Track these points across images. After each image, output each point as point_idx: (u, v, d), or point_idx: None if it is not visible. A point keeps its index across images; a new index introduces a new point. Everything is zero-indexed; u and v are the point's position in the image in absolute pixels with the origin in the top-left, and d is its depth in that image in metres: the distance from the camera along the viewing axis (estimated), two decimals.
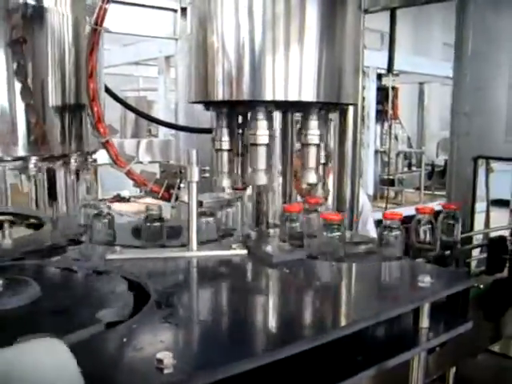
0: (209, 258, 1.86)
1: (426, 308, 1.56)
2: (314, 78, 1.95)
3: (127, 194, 7.86)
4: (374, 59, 6.78)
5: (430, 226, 1.97)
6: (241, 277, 1.79)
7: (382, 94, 7.71)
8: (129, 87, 9.80)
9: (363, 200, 2.99)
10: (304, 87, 1.95)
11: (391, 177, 7.44)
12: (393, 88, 8.14)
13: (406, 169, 8.53)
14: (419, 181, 7.58)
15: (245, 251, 1.88)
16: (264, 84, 1.93)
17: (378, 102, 7.41)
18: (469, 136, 2.38)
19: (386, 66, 7.80)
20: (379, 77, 7.87)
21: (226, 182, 2.10)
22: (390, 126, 7.19)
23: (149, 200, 7.27)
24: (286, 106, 2.09)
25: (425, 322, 1.57)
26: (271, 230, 2.02)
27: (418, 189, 7.60)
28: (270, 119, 2.03)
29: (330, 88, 2.00)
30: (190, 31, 2.14)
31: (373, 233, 3.55)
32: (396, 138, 8.28)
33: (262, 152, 1.97)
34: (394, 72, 8.09)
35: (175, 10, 3.84)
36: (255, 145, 1.97)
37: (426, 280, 1.56)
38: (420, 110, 9.20)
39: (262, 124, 1.97)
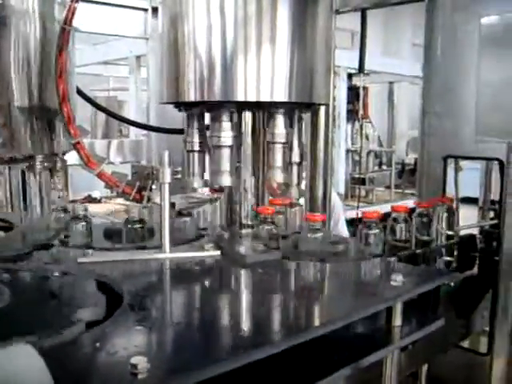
0: (182, 260, 1.84)
1: (399, 306, 1.57)
2: (285, 78, 1.95)
3: (98, 195, 7.78)
4: (345, 59, 6.83)
5: (405, 224, 2.00)
6: (214, 278, 1.78)
7: (353, 93, 7.79)
8: (98, 87, 9.70)
9: (334, 199, 3.00)
10: (276, 88, 1.95)
11: (362, 176, 7.51)
12: (363, 88, 8.23)
13: (376, 168, 8.61)
14: (390, 179, 7.67)
15: (218, 252, 1.88)
16: (236, 85, 1.92)
17: (349, 102, 7.48)
18: (438, 136, 2.41)
19: (356, 66, 7.91)
20: (349, 76, 7.94)
21: (197, 183, 2.10)
22: (361, 126, 7.26)
23: (120, 201, 7.23)
24: (257, 106, 2.08)
25: (397, 321, 1.58)
26: (244, 231, 2.02)
27: (389, 187, 7.69)
28: (240, 119, 2.04)
29: (302, 88, 2.01)
30: (161, 31, 2.13)
31: (344, 232, 3.58)
32: (367, 137, 8.37)
33: (225, 153, 1.98)
34: (365, 72, 8.19)
35: (146, 10, 3.81)
36: (218, 146, 1.97)
37: (398, 279, 1.57)
38: (390, 109, 9.30)
39: (226, 126, 1.97)
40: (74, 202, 7.27)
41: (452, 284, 1.99)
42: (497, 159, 2.11)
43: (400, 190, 7.79)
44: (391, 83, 9.20)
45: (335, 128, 6.80)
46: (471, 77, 2.19)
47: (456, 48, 2.27)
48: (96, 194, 7.82)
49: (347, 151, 7.33)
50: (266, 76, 1.93)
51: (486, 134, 2.07)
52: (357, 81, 8.13)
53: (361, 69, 2.79)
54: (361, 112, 7.65)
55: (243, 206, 2.13)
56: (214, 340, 1.23)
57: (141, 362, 1.03)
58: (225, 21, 1.92)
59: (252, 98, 1.94)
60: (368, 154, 8.18)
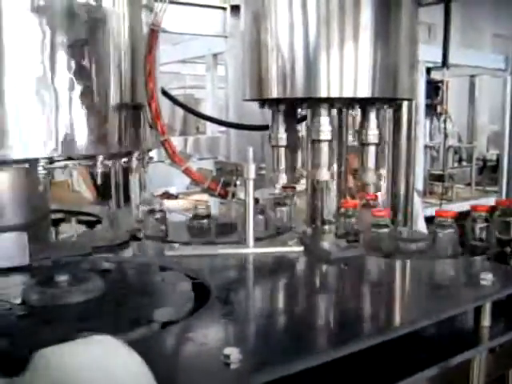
0: (265, 255, 1.87)
1: (488, 306, 1.53)
2: (369, 73, 1.94)
3: (175, 191, 7.97)
4: (423, 52, 6.64)
5: (485, 223, 1.94)
6: (298, 273, 1.80)
7: (432, 88, 7.58)
8: (176, 85, 9.90)
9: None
10: (359, 83, 1.94)
11: (441, 172, 7.31)
12: (442, 82, 8.01)
13: (456, 164, 8.36)
14: (470, 176, 7.43)
15: (301, 248, 1.89)
16: (319, 81, 1.93)
17: (428, 97, 7.28)
18: None
19: (434, 59, 7.69)
20: (428, 71, 7.74)
21: (283, 179, 2.11)
22: (444, 121, 7.07)
23: (197, 196, 7.38)
24: (343, 103, 2.07)
25: (486, 321, 1.55)
26: (326, 227, 2.02)
27: (469, 184, 7.45)
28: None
29: (386, 83, 1.98)
30: (242, 29, 2.16)
31: (424, 230, 3.51)
32: (446, 132, 8.14)
33: (325, 148, 1.97)
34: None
35: (225, 8, 3.86)
36: (318, 141, 1.97)
37: (487, 278, 1.53)
38: (470, 103, 8.99)
39: (325, 120, 1.97)
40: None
41: None
42: None
43: (481, 188, 7.52)
44: (472, 76, 8.88)
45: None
46: None
47: None
48: (173, 191, 8.02)
49: (425, 147, 7.14)
50: (348, 72, 1.92)
51: None
52: (436, 75, 7.92)
53: (444, 63, 2.72)
54: (439, 107, 7.44)
55: (325, 203, 2.13)
56: (301, 334, 1.25)
57: (233, 352, 1.06)
58: (307, 18, 1.93)
59: (335, 94, 1.94)
60: (447, 149, 7.95)
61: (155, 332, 1.26)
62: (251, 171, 1.86)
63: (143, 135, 2.03)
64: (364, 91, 1.95)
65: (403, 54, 2.01)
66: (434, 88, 7.89)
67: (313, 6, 1.92)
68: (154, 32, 1.93)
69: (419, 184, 6.39)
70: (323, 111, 1.97)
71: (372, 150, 2.03)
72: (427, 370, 1.37)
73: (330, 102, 2.01)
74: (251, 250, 1.89)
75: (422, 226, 3.61)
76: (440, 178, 7.49)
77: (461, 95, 9.40)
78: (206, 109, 6.23)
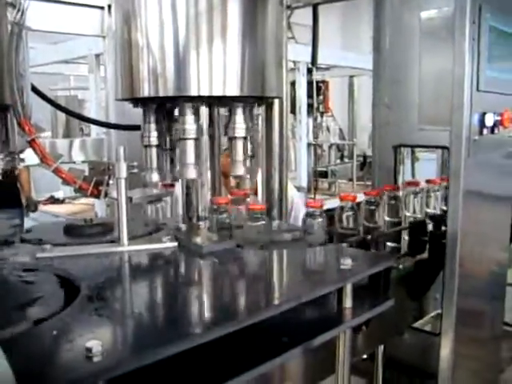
0: (140, 252, 1.89)
1: (349, 288, 1.65)
2: (237, 72, 2.00)
3: (61, 196, 7.73)
4: (305, 54, 6.89)
5: (352, 212, 2.08)
6: (171, 268, 1.84)
7: (313, 88, 7.87)
8: (60, 86, 9.59)
9: (292, 194, 3.08)
10: (228, 82, 2.00)
11: (324, 169, 7.61)
12: (323, 82, 8.33)
13: (338, 160, 8.73)
14: (351, 172, 7.78)
15: (175, 243, 1.93)
16: (189, 80, 1.96)
17: (309, 96, 7.55)
18: (389, 126, 2.50)
19: (320, 61, 7.96)
20: (310, 71, 8.02)
21: (155, 177, 2.13)
22: (315, 119, 7.39)
23: (84, 200, 7.18)
24: (213, 101, 2.13)
25: (348, 302, 1.66)
26: (201, 223, 2.07)
27: (351, 180, 7.80)
28: (197, 114, 2.08)
29: (254, 82, 2.06)
30: (114, 28, 2.16)
31: None
32: (328, 130, 8.48)
33: (190, 146, 2.01)
34: (324, 66, 8.28)
35: (102, 8, 3.80)
36: (184, 139, 2.01)
37: (347, 262, 1.65)
38: (350, 102, 9.42)
39: (190, 118, 2.01)
40: (38, 202, 7.24)
41: (401, 267, 2.08)
42: (444, 147, 2.21)
43: (362, 182, 7.90)
44: (351, 77, 9.31)
45: (296, 122, 6.86)
46: (415, 68, 2.28)
47: (401, 41, 2.37)
48: (59, 195, 7.78)
49: (308, 145, 7.40)
50: (217, 71, 1.97)
51: (430, 122, 2.17)
52: (317, 75, 8.22)
53: (313, 63, 2.86)
54: (315, 106, 7.74)
55: (200, 199, 2.18)
56: (168, 323, 1.28)
57: (95, 345, 1.08)
58: (176, 18, 1.96)
59: (205, 93, 1.99)
60: (330, 147, 8.29)
61: (22, 330, 1.25)
62: (122, 170, 1.88)
63: (11, 136, 1.98)
64: (233, 90, 2.01)
65: (270, 54, 2.09)
66: (316, 88, 8.19)
67: (182, 7, 1.95)
68: (17, 29, 1.89)
69: (303, 181, 6.62)
70: (188, 109, 2.01)
71: (240, 143, 2.09)
72: (292, 350, 1.45)
73: (200, 100, 2.05)
74: (125, 248, 1.91)
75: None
76: (324, 175, 7.82)
77: (343, 95, 9.83)
78: (91, 110, 6.11)
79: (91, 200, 6.89)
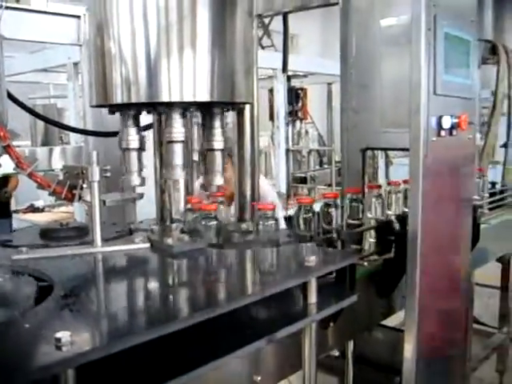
0: (112, 253, 1.95)
1: (313, 284, 1.72)
2: (207, 79, 2.07)
3: (41, 204, 7.73)
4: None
5: (309, 214, 2.16)
6: (140, 267, 1.90)
7: (292, 95, 7.99)
8: (39, 95, 9.60)
9: (265, 193, 3.15)
10: (198, 88, 2.07)
11: (303, 175, 7.71)
12: (302, 89, 8.45)
13: (317, 166, 8.84)
14: (330, 177, 7.88)
15: (147, 244, 1.99)
16: (160, 86, 2.03)
17: (288, 103, 7.66)
18: (356, 129, 2.59)
19: (294, 68, 8.06)
20: (289, 79, 8.14)
21: (136, 180, 2.19)
22: (293, 125, 7.49)
23: (63, 209, 7.19)
24: (188, 108, 2.19)
25: (312, 298, 1.73)
26: (173, 225, 2.13)
27: (330, 185, 7.91)
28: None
29: (224, 88, 2.13)
30: (88, 37, 2.22)
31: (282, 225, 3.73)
32: (307, 135, 8.59)
33: (178, 148, 2.09)
34: (302, 73, 8.40)
35: (79, 17, 3.87)
36: (171, 142, 2.08)
37: (311, 259, 1.72)
38: (329, 108, 9.56)
39: (178, 122, 2.08)
40: (16, 212, 7.25)
41: (365, 264, 2.15)
42: (406, 149, 2.29)
43: (340, 188, 8.00)
44: (329, 84, 9.45)
45: (274, 128, 6.97)
46: (378, 74, 2.37)
47: (366, 47, 2.46)
48: (39, 204, 7.78)
49: (287, 151, 7.50)
50: (188, 77, 2.04)
51: (392, 125, 2.26)
52: (295, 82, 8.35)
53: (284, 70, 2.94)
54: (300, 113, 7.86)
55: (174, 202, 2.24)
56: (131, 317, 1.36)
57: (64, 336, 1.14)
58: (148, 26, 2.03)
59: (176, 99, 2.06)
60: (309, 153, 8.41)
61: None
62: (95, 174, 1.94)
63: None
64: (203, 95, 2.09)
65: (239, 61, 2.17)
66: (295, 95, 8.31)
67: (153, 16, 2.02)
68: None
69: (282, 186, 6.71)
70: (176, 114, 2.09)
71: (218, 154, 2.17)
72: (255, 342, 1.52)
73: (173, 106, 2.12)
74: (99, 249, 1.97)
75: (282, 226, 3.82)
76: (303, 181, 7.92)
77: (322, 101, 9.96)
78: (71, 118, 6.15)
79: (71, 208, 6.93)
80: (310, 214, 2.14)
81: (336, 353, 2.77)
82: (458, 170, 2.14)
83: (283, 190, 6.74)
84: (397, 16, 2.29)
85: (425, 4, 1.84)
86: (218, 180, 2.20)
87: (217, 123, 2.18)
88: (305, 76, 8.38)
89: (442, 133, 1.97)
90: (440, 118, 1.95)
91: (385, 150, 2.62)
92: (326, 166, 8.86)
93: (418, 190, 1.91)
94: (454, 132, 2.02)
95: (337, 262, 1.82)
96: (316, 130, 9.49)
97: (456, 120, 2.01)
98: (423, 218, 1.93)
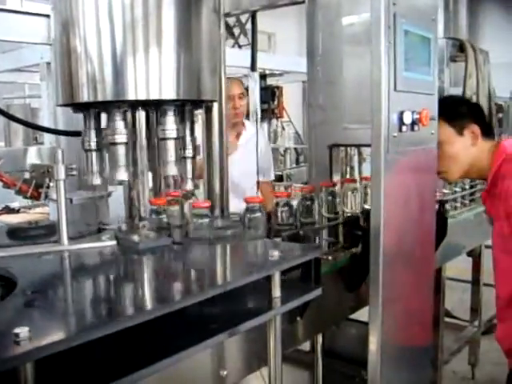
0: (79, 251, 1.96)
1: (277, 278, 1.75)
2: (173, 77, 2.09)
3: (17, 206, 7.66)
4: (261, 60, 7.00)
5: (287, 208, 2.19)
6: (105, 264, 1.92)
7: (268, 93, 8.01)
8: (15, 94, 9.51)
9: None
10: (164, 86, 2.08)
11: (280, 173, 7.74)
12: (278, 87, 8.48)
13: (294, 164, 8.88)
14: (307, 175, 7.90)
15: (114, 242, 2.01)
16: (126, 84, 2.04)
17: (264, 102, 7.68)
18: (323, 126, 2.63)
19: (270, 67, 8.06)
20: (264, 77, 8.17)
21: (97, 181, 2.20)
22: (270, 122, 7.51)
23: (39, 210, 7.14)
24: (150, 105, 2.20)
25: (276, 292, 1.76)
26: (141, 223, 2.14)
27: (307, 183, 7.93)
28: (134, 118, 2.16)
29: (189, 86, 2.15)
30: (54, 35, 2.23)
31: None
32: (283, 134, 8.63)
33: (120, 150, 2.10)
34: (278, 72, 8.42)
35: (48, 16, 3.84)
36: (114, 144, 2.09)
37: (274, 254, 1.75)
38: (305, 107, 9.59)
39: (120, 124, 2.10)
40: None
41: (330, 258, 2.19)
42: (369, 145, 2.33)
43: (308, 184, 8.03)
44: (304, 82, 9.47)
45: None
46: (343, 71, 2.41)
47: (332, 45, 2.49)
48: (15, 205, 7.71)
49: None
50: (154, 75, 2.06)
51: (356, 122, 2.30)
52: (271, 81, 8.37)
53: (253, 68, 2.96)
54: (277, 111, 7.88)
55: (141, 200, 2.26)
56: (92, 312, 1.38)
57: (23, 331, 1.15)
58: (113, 24, 2.04)
59: (142, 97, 2.07)
60: (285, 151, 8.44)
61: None
62: (61, 172, 1.95)
63: None
64: (169, 93, 2.10)
65: (204, 59, 2.19)
66: (271, 93, 8.34)
67: (118, 14, 2.03)
68: None
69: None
70: (117, 115, 2.10)
71: (171, 143, 2.18)
72: (218, 335, 1.55)
73: (139, 104, 2.14)
74: (66, 247, 1.98)
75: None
76: (280, 179, 7.94)
77: (298, 99, 10.01)
78: (44, 119, 6.11)
79: (47, 209, 6.88)
80: (287, 208, 2.18)
81: (307, 347, 2.80)
82: (420, 165, 2.18)
83: None
84: (358, 14, 2.33)
85: (384, 3, 1.87)
86: (171, 170, 2.21)
87: (170, 112, 2.17)
88: (281, 74, 8.40)
89: (404, 128, 2.00)
90: (401, 113, 1.98)
91: (351, 146, 2.65)
92: (302, 164, 8.90)
93: (379, 185, 1.94)
94: (416, 127, 2.06)
95: (300, 257, 1.84)
96: (293, 128, 9.52)
97: (417, 116, 2.04)
98: (385, 214, 1.97)
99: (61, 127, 3.96)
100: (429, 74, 2.17)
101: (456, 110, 2.46)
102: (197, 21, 2.18)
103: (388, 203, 1.97)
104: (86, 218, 2.72)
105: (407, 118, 1.98)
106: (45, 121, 5.90)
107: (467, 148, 2.44)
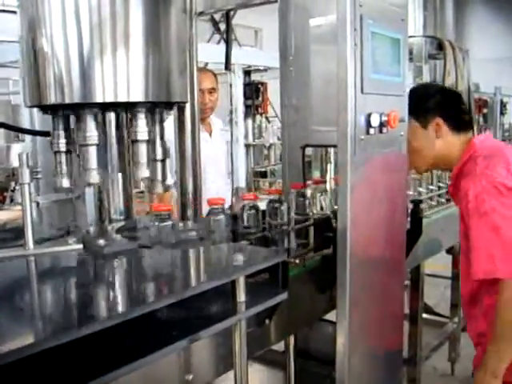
0: (44, 254, 1.95)
1: (241, 283, 1.74)
2: (141, 78, 2.07)
3: None
4: (241, 56, 7.02)
5: (253, 211, 2.17)
6: (70, 268, 1.91)
7: (252, 89, 7.98)
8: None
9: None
10: (132, 88, 2.06)
11: (264, 169, 7.73)
12: (262, 83, 8.45)
13: (278, 160, 8.86)
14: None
15: (80, 246, 1.99)
16: (94, 86, 2.02)
17: (248, 98, 7.65)
18: (296, 127, 2.62)
19: (256, 63, 8.03)
20: (249, 73, 8.13)
21: (65, 182, 2.18)
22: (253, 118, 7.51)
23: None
24: (119, 107, 2.18)
25: (241, 297, 1.75)
26: (110, 226, 2.13)
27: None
28: (103, 120, 2.14)
29: (158, 88, 2.12)
30: (20, 34, 2.19)
31: None
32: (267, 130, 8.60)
33: (92, 152, 2.07)
34: (262, 68, 8.39)
35: None
36: (85, 145, 2.07)
37: (238, 258, 1.74)
38: None
39: (91, 125, 2.07)
40: None
41: (297, 261, 2.18)
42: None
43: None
44: None
45: (233, 124, 6.95)
46: (311, 72, 2.40)
47: (303, 45, 2.48)
48: None
49: (248, 146, 7.49)
50: (121, 77, 2.03)
51: (323, 123, 2.30)
52: (255, 77, 8.34)
53: (227, 66, 2.94)
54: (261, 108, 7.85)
55: (112, 203, 2.24)
56: (56, 318, 1.37)
57: None
58: (80, 25, 2.01)
59: (110, 99, 2.04)
60: (269, 147, 8.41)
61: None
62: (26, 175, 1.93)
63: None
64: (138, 95, 2.08)
65: (174, 60, 2.17)
66: (255, 89, 8.30)
67: (85, 14, 2.00)
68: None
69: (241, 181, 6.71)
70: (88, 116, 2.07)
71: (143, 146, 2.16)
72: (179, 341, 1.54)
73: (109, 106, 2.11)
74: (30, 251, 1.96)
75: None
76: (264, 175, 7.94)
77: None
78: (24, 116, 6.06)
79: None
80: (253, 211, 2.17)
81: (281, 348, 2.80)
82: (389, 166, 2.17)
83: (242, 184, 6.74)
84: (324, 15, 2.32)
85: (350, 4, 1.86)
86: (143, 172, 2.19)
87: (141, 114, 2.15)
88: (265, 70, 8.37)
89: (371, 131, 2.00)
90: (368, 116, 1.98)
91: (321, 147, 2.64)
92: None
93: (346, 187, 1.94)
94: (384, 130, 2.06)
95: (264, 261, 1.83)
96: (278, 124, 9.50)
97: (385, 118, 2.04)
98: (352, 216, 1.96)
99: (37, 126, 3.94)
100: (398, 75, 2.16)
101: (421, 105, 2.44)
102: (165, 21, 2.15)
103: (355, 205, 1.97)
104: (61, 220, 2.70)
105: (375, 121, 1.98)
106: (25, 118, 5.86)
107: (431, 140, 2.43)
